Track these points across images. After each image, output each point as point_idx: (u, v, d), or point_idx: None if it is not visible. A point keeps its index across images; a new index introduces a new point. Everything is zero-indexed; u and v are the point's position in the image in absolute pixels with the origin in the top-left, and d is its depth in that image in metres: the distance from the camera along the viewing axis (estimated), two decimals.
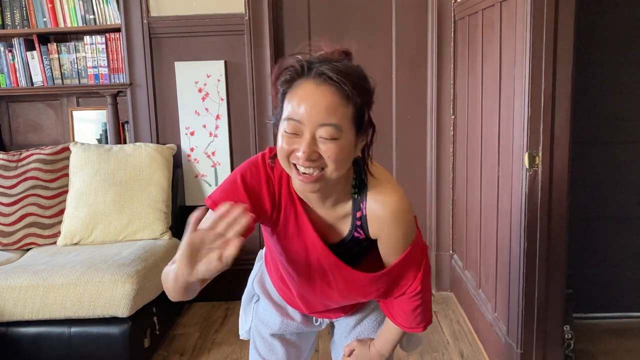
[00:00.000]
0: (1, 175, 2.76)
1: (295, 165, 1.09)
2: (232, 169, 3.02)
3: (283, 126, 1.08)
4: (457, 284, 2.98)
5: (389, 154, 3.10)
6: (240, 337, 1.57)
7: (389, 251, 1.25)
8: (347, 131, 1.08)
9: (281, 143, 1.09)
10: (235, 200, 1.12)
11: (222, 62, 2.96)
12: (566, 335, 2.14)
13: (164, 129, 3.03)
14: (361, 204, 1.21)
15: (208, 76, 2.97)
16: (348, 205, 1.22)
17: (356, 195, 1.21)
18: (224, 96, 2.98)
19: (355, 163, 1.21)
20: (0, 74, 3.04)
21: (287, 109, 1.07)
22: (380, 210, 1.19)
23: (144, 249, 2.51)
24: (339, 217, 1.24)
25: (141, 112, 3.01)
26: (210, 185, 3.04)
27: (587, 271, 2.69)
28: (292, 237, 1.25)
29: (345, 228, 1.24)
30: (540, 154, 1.93)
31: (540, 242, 1.98)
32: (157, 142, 3.00)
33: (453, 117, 2.98)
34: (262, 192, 1.19)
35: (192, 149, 3.03)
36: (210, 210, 1.10)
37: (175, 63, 2.97)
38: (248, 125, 3.00)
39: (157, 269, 2.46)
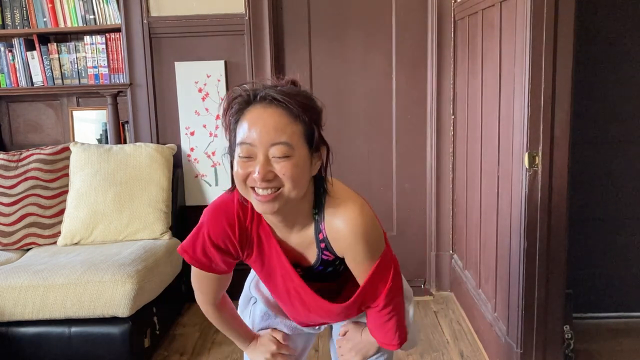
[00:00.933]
0: (1, 175, 2.76)
1: (253, 188, 1.12)
2: (232, 168, 3.02)
3: (237, 152, 1.12)
4: (457, 284, 2.98)
5: (389, 154, 3.10)
6: None
7: (358, 268, 1.25)
8: (298, 148, 1.11)
9: (236, 168, 1.13)
10: (207, 257, 1.24)
11: (222, 62, 2.96)
12: (566, 335, 2.15)
13: (164, 129, 3.03)
14: (320, 225, 1.22)
15: (208, 76, 2.97)
16: (311, 229, 1.24)
17: (316, 217, 1.23)
18: (224, 96, 2.98)
19: (315, 185, 1.22)
20: (1, 74, 3.04)
21: (239, 134, 1.11)
22: (339, 228, 1.19)
23: (144, 249, 2.51)
24: (308, 243, 1.25)
25: (141, 112, 3.01)
26: (210, 185, 3.04)
27: (587, 271, 2.69)
28: (268, 267, 1.28)
29: (314, 252, 1.26)
30: (540, 154, 1.93)
31: (540, 242, 1.98)
32: (157, 142, 3.00)
33: (453, 117, 2.98)
34: (230, 241, 1.23)
35: (192, 149, 3.03)
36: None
37: (175, 63, 2.97)
38: None
39: (157, 269, 2.46)
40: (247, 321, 1.52)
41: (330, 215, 1.20)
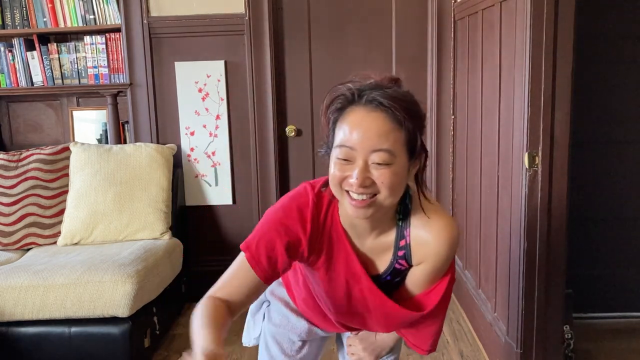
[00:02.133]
0: (1, 175, 2.76)
1: (347, 192, 1.08)
2: (232, 168, 3.02)
3: (335, 153, 1.08)
4: (457, 284, 2.98)
5: None
6: (244, 344, 1.54)
7: (424, 278, 1.22)
8: (399, 156, 1.06)
9: (333, 170, 1.08)
10: (272, 252, 1.15)
11: (222, 62, 2.96)
12: (566, 335, 2.15)
13: (164, 129, 3.03)
14: (405, 232, 1.19)
15: (208, 76, 2.97)
16: (392, 234, 1.20)
17: (400, 222, 1.19)
18: (224, 96, 2.98)
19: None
20: (1, 74, 3.04)
21: (339, 135, 1.07)
22: (426, 237, 1.17)
23: (144, 249, 2.51)
24: (382, 249, 1.21)
25: (141, 112, 3.01)
26: (210, 185, 3.04)
27: (587, 271, 2.69)
28: (336, 270, 1.23)
29: (386, 259, 1.22)
30: (540, 154, 1.93)
31: (540, 242, 1.98)
32: (157, 142, 3.00)
33: (453, 117, 2.98)
34: (300, 236, 1.16)
35: (192, 149, 3.03)
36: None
37: (175, 63, 2.97)
38: (248, 125, 3.00)
39: (157, 269, 2.46)
40: (258, 326, 1.49)
41: (419, 222, 1.17)
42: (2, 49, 3.02)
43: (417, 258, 1.20)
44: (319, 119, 3.05)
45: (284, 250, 1.16)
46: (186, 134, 3.01)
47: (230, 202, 3.06)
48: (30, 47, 3.01)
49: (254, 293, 1.21)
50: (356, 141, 1.05)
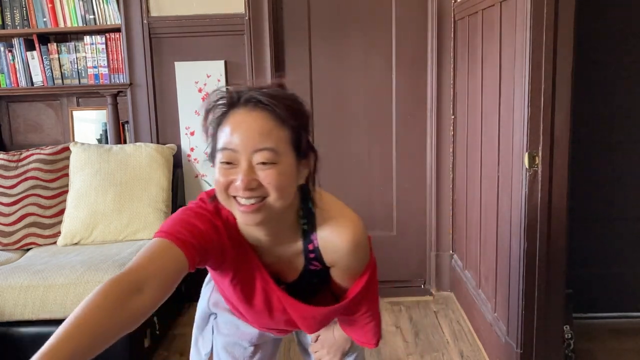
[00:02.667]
0: (1, 175, 2.76)
1: (235, 198, 1.04)
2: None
3: (218, 158, 1.04)
4: (457, 284, 2.98)
5: (389, 154, 3.10)
6: None
7: (344, 277, 1.23)
8: (285, 155, 1.04)
9: (218, 176, 1.04)
10: (190, 227, 1.05)
11: (222, 62, 2.96)
12: (566, 335, 2.14)
13: (164, 129, 3.03)
14: (311, 235, 1.17)
15: (208, 76, 2.97)
16: (299, 240, 1.18)
17: (305, 227, 1.17)
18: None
19: (301, 193, 1.15)
20: (0, 74, 3.04)
21: (221, 139, 1.04)
22: (334, 241, 1.15)
23: None
24: (293, 254, 1.20)
25: (141, 112, 3.01)
26: (210, 186, 3.04)
27: (587, 271, 2.68)
28: (248, 281, 1.20)
29: (300, 263, 1.21)
30: (540, 154, 1.93)
31: (540, 242, 1.98)
32: (157, 142, 3.00)
33: (453, 117, 2.98)
34: (209, 235, 1.09)
35: (192, 149, 3.03)
36: None
37: (175, 63, 2.97)
38: None
39: None
40: (209, 337, 1.43)
41: (323, 226, 1.15)
42: (2, 49, 3.02)
43: (329, 260, 1.19)
44: (318, 119, 3.07)
45: (199, 226, 1.08)
46: (186, 134, 3.01)
47: None
48: (30, 47, 3.01)
49: (174, 279, 1.01)
50: (238, 142, 1.01)
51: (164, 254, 1.01)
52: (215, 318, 1.43)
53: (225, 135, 1.03)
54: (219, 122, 1.06)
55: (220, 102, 1.07)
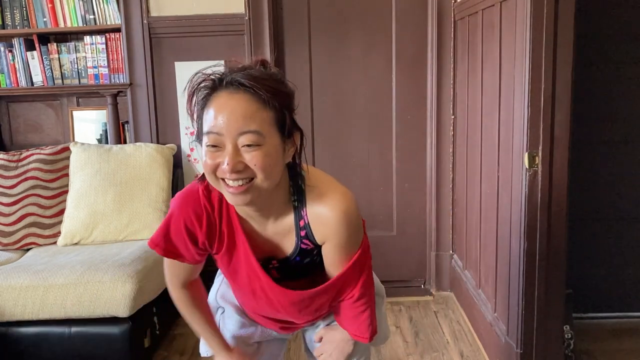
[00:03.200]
0: (1, 175, 2.76)
1: (223, 180, 1.07)
2: None
3: (204, 141, 1.07)
4: (457, 284, 2.98)
5: (389, 154, 3.10)
6: (202, 355, 1.52)
7: (335, 257, 1.22)
8: (270, 136, 1.06)
9: (205, 159, 1.07)
10: (177, 247, 1.22)
11: (222, 62, 2.96)
12: (566, 335, 2.14)
13: (164, 129, 3.03)
14: (302, 211, 1.18)
15: None
16: (290, 216, 1.19)
17: (296, 203, 1.18)
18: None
19: (291, 171, 1.18)
20: (0, 74, 3.04)
21: (206, 122, 1.06)
22: (323, 213, 1.16)
23: (144, 249, 2.51)
24: (285, 232, 1.21)
25: (141, 112, 3.01)
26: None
27: (587, 271, 2.69)
28: (236, 263, 1.24)
29: (291, 241, 1.22)
30: (540, 154, 1.93)
31: (540, 241, 1.98)
32: (157, 142, 3.00)
33: (453, 117, 2.98)
34: (197, 231, 1.19)
35: (192, 149, 3.03)
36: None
37: (175, 63, 2.97)
38: None
39: (157, 269, 2.45)
40: None
41: (313, 201, 1.16)
42: (2, 49, 3.02)
43: (320, 236, 1.19)
44: (319, 119, 3.07)
45: (186, 242, 1.21)
46: (186, 134, 3.01)
47: None
48: (30, 47, 3.01)
49: (197, 267, 1.32)
50: (222, 126, 1.03)
51: (175, 266, 1.30)
52: (223, 313, 1.46)
53: (210, 119, 1.05)
54: (203, 104, 1.08)
55: (202, 84, 1.08)
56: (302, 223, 1.19)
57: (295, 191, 1.18)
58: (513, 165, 2.06)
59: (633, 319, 2.72)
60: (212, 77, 1.07)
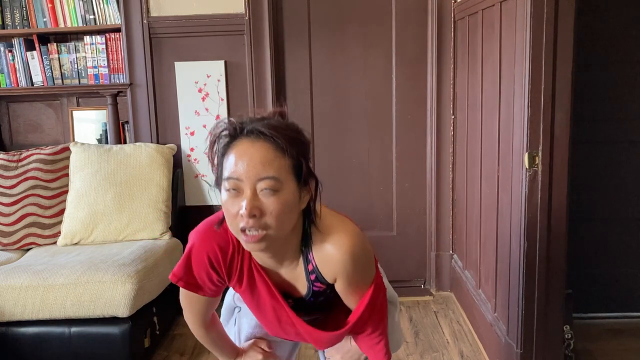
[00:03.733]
0: (1, 175, 2.76)
1: (242, 230, 1.11)
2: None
3: (224, 186, 1.10)
4: (457, 284, 2.98)
5: (389, 154, 3.10)
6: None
7: (347, 293, 1.26)
8: (287, 183, 1.09)
9: (226, 205, 1.11)
10: (199, 280, 1.25)
11: (222, 62, 2.96)
12: (566, 335, 2.15)
13: (164, 129, 3.03)
14: (309, 256, 1.22)
15: (208, 76, 2.97)
16: (300, 263, 1.24)
17: (303, 248, 1.22)
18: (224, 96, 2.98)
19: (305, 217, 1.21)
20: (0, 74, 3.04)
21: (227, 168, 1.10)
22: (328, 253, 1.19)
23: (144, 249, 2.51)
24: (297, 277, 1.26)
25: (141, 112, 3.01)
26: (210, 185, 3.04)
27: (587, 271, 2.69)
28: (258, 298, 1.28)
29: (304, 286, 1.26)
30: (540, 154, 1.93)
31: (540, 242, 1.98)
32: (157, 142, 3.00)
33: (453, 117, 2.98)
34: (219, 265, 1.23)
35: (192, 149, 3.03)
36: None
37: (175, 63, 2.97)
38: None
39: (157, 269, 2.46)
40: (233, 330, 1.52)
41: (319, 244, 1.20)
42: (2, 49, 3.02)
43: (329, 276, 1.23)
44: (319, 119, 3.07)
45: (206, 275, 1.25)
46: (186, 134, 3.01)
47: None
48: (30, 47, 3.01)
49: (215, 300, 1.35)
50: (242, 171, 1.08)
51: (197, 302, 1.33)
52: (239, 311, 1.50)
53: (230, 165, 1.10)
54: (224, 151, 1.12)
55: (224, 132, 1.13)
56: (310, 267, 1.23)
57: (303, 237, 1.22)
58: (513, 165, 2.06)
59: (633, 319, 2.72)
60: (233, 125, 1.12)
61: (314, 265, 1.22)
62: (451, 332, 2.69)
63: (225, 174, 1.10)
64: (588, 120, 2.57)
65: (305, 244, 1.21)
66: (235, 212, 1.10)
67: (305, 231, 1.21)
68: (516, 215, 2.05)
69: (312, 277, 1.24)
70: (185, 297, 1.33)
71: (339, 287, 1.25)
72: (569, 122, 1.93)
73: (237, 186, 1.09)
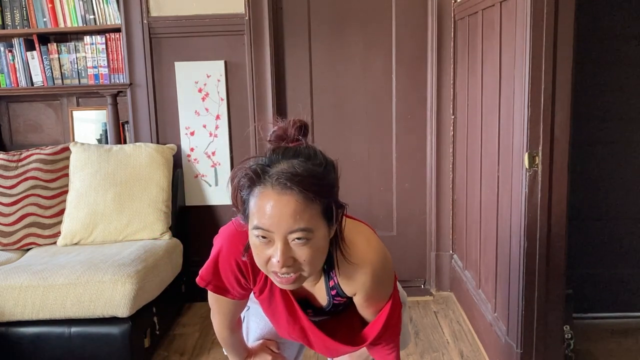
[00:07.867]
0: (1, 175, 2.76)
1: (274, 272, 1.10)
2: (232, 168, 3.02)
3: (254, 232, 1.08)
4: (457, 284, 2.98)
5: (389, 154, 3.10)
6: (226, 353, 1.57)
7: (364, 307, 1.28)
8: (318, 229, 1.07)
9: (256, 250, 1.10)
10: (223, 282, 1.26)
11: (222, 62, 2.96)
12: (566, 335, 2.14)
13: (164, 129, 3.03)
14: (331, 272, 1.22)
15: (208, 76, 2.97)
16: (322, 280, 1.25)
17: (325, 267, 1.22)
18: (224, 96, 2.98)
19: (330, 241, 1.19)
20: (0, 74, 3.04)
21: (255, 216, 1.06)
22: (351, 275, 1.20)
23: (144, 249, 2.51)
24: (317, 290, 1.28)
25: (141, 112, 3.01)
26: (210, 185, 3.04)
27: (587, 271, 2.69)
28: (275, 307, 1.30)
29: (324, 299, 1.28)
30: (540, 154, 1.93)
31: (540, 242, 1.98)
32: (157, 142, 3.00)
33: (453, 117, 2.98)
34: (245, 268, 1.23)
35: (192, 149, 3.03)
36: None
37: (175, 63, 2.97)
38: (248, 125, 3.00)
39: (157, 269, 2.46)
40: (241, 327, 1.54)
41: (341, 261, 1.19)
42: (2, 49, 3.02)
43: (349, 290, 1.24)
44: (319, 119, 3.07)
45: (234, 276, 1.25)
46: (186, 134, 3.01)
47: (230, 202, 3.05)
48: (30, 47, 3.01)
49: (242, 303, 1.38)
50: (272, 225, 1.05)
51: (222, 304, 1.36)
52: (248, 310, 1.52)
53: (259, 215, 1.06)
54: (249, 195, 1.09)
55: (246, 177, 1.08)
56: (331, 283, 1.24)
57: (327, 258, 1.20)
58: (513, 165, 2.06)
59: (633, 319, 2.71)
60: (256, 173, 1.07)
61: (336, 282, 1.23)
62: (451, 332, 2.69)
63: (255, 221, 1.07)
64: (588, 120, 2.57)
65: (328, 263, 1.20)
66: (265, 257, 1.08)
67: (330, 253, 1.18)
68: (516, 215, 2.05)
69: (333, 292, 1.25)
70: (215, 300, 1.34)
71: (357, 300, 1.27)
72: (569, 122, 1.93)
73: (268, 235, 1.06)
